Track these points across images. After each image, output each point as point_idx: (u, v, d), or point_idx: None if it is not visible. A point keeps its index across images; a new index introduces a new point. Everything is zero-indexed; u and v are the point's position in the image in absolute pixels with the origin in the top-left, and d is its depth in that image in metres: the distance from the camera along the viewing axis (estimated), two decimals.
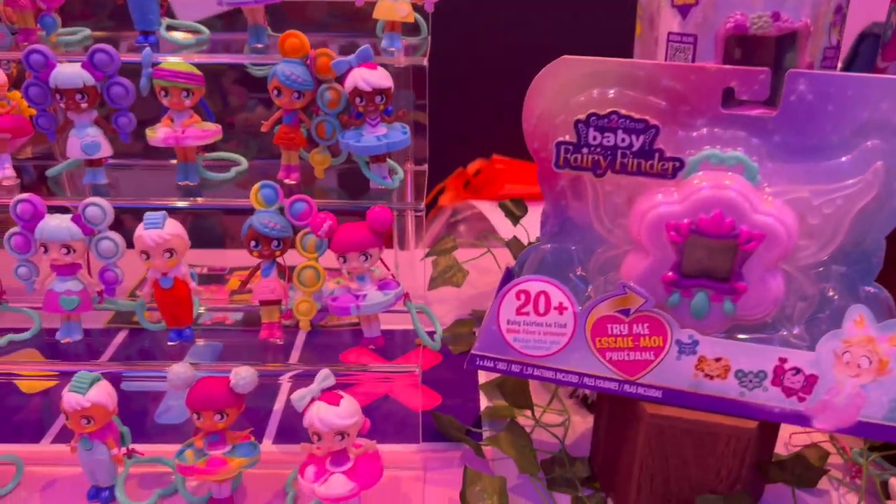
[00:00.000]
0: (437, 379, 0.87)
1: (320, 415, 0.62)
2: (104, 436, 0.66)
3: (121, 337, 0.86)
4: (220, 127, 0.76)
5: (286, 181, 0.77)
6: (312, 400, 0.63)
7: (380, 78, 0.70)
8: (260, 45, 0.80)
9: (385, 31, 0.80)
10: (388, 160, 0.76)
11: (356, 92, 0.70)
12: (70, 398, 0.63)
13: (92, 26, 0.87)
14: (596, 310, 0.61)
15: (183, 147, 0.75)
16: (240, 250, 0.72)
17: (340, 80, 0.72)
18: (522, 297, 0.63)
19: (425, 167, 0.84)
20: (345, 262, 0.68)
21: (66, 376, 0.67)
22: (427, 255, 1.00)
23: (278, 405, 0.83)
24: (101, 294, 0.72)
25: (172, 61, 0.73)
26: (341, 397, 0.63)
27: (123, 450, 0.68)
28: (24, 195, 0.68)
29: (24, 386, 0.85)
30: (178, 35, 0.80)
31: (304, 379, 0.71)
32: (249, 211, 0.71)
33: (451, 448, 0.76)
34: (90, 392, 0.64)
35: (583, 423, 0.80)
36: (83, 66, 0.71)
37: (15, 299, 0.77)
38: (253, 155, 0.84)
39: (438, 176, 1.95)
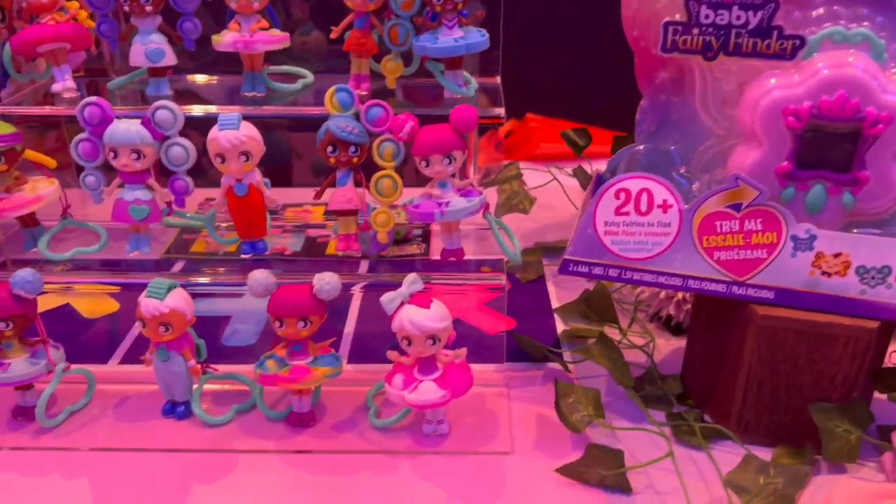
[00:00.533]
0: (507, 306, 0.84)
1: (411, 317, 0.59)
2: (181, 346, 0.63)
3: (179, 267, 0.84)
4: (287, 35, 0.72)
5: (357, 92, 0.74)
6: (402, 304, 0.60)
7: None
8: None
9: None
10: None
11: None
12: (148, 304, 0.61)
13: None
14: (704, 206, 0.58)
15: (250, 54, 0.72)
16: (291, 189, 0.69)
17: None
18: (622, 195, 0.59)
19: (497, 79, 0.80)
20: (427, 165, 0.64)
21: (133, 291, 0.65)
22: (489, 185, 0.96)
23: (349, 328, 0.80)
24: (171, 206, 0.69)
25: None
26: (431, 300, 0.60)
27: (200, 364, 0.65)
28: (92, 98, 0.65)
29: (85, 310, 0.83)
30: None
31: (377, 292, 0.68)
32: (320, 121, 0.68)
33: (532, 368, 0.73)
34: (168, 298, 0.61)
35: (666, 345, 0.76)
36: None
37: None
38: (315, 70, 0.81)
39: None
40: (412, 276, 0.61)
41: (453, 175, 0.66)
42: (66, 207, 0.71)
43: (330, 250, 0.84)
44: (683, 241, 0.59)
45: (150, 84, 0.73)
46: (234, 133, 0.63)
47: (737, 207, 0.57)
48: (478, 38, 0.69)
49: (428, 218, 0.65)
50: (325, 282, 0.61)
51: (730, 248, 0.58)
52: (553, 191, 1.03)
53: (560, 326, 0.80)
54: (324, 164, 0.69)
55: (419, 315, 0.59)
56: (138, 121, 0.65)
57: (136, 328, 0.80)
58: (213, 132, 0.64)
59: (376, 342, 0.78)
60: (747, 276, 0.58)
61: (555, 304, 0.84)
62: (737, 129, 0.58)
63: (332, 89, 0.67)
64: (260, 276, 0.62)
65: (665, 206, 0.59)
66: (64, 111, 0.72)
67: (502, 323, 0.80)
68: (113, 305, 0.84)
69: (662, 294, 0.77)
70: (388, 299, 0.59)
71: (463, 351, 0.62)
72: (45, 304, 0.67)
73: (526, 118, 2.11)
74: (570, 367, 0.73)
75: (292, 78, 0.78)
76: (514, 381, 0.71)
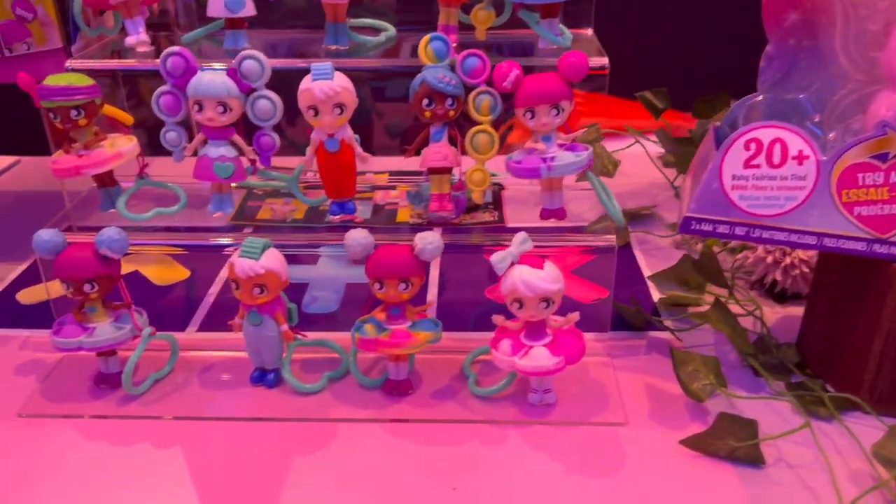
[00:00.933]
0: (594, 274, 0.80)
1: (524, 278, 0.55)
2: (273, 309, 0.60)
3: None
4: None
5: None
6: (512, 264, 0.56)
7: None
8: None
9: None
10: None
11: None
12: (243, 264, 0.57)
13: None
14: (844, 157, 0.53)
15: (334, 4, 0.68)
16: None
17: None
18: (753, 146, 0.55)
19: (590, 31, 0.75)
20: (532, 117, 0.60)
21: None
22: None
23: (430, 295, 0.76)
24: (254, 164, 0.65)
25: None
26: (544, 260, 0.56)
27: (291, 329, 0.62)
28: (175, 48, 0.61)
29: (156, 277, 0.80)
30: None
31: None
32: (407, 75, 0.64)
33: (633, 337, 0.69)
34: (263, 258, 0.58)
35: (771, 312, 0.72)
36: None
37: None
38: (395, 23, 0.77)
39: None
40: (521, 234, 0.57)
41: (559, 129, 0.62)
42: (143, 166, 0.68)
43: (401, 217, 0.81)
44: (820, 196, 0.54)
45: (228, 37, 0.69)
46: (329, 83, 0.59)
47: (882, 158, 0.52)
48: None
49: (534, 174, 0.61)
50: (428, 241, 0.57)
51: (872, 203, 0.53)
52: (629, 156, 0.99)
53: (655, 295, 0.76)
54: (399, 125, 0.65)
55: (533, 276, 0.55)
56: (223, 72, 0.61)
57: (211, 295, 0.77)
58: (306, 82, 0.60)
59: (461, 309, 0.75)
60: (891, 232, 0.54)
61: (645, 272, 0.80)
62: (881, 74, 0.53)
63: (425, 38, 0.63)
64: (358, 235, 0.58)
65: (801, 158, 0.54)
66: (141, 65, 0.69)
67: (595, 291, 0.76)
68: (184, 273, 0.81)
69: (770, 258, 0.72)
70: (499, 258, 0.55)
71: (575, 315, 0.58)
72: None
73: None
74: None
75: (373, 32, 0.75)
76: (617, 350, 0.67)
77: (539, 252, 0.58)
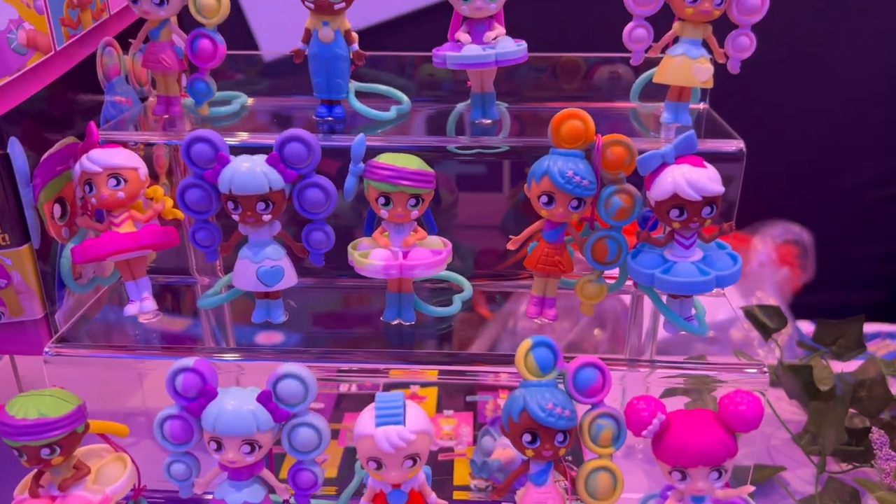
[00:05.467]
0: None
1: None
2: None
3: None
4: (450, 245, 0.52)
5: (539, 319, 0.54)
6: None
7: (710, 180, 0.46)
8: (488, 121, 0.57)
9: (668, 99, 0.57)
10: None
11: (674, 201, 0.46)
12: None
13: (244, 89, 0.65)
14: None
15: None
16: None
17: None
18: None
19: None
20: (683, 478, 0.43)
21: None
22: None
23: None
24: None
25: (391, 154, 0.49)
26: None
27: None
28: (188, 362, 0.45)
29: None
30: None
31: None
32: None
33: None
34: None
35: None
36: (269, 162, 0.48)
37: None
38: (470, 273, 0.61)
39: None
40: None
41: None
42: (139, 490, 0.50)
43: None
44: None
45: (258, 307, 0.53)
46: (399, 431, 0.42)
47: None
48: (729, 264, 0.49)
49: None
50: None
51: None
52: None
53: None
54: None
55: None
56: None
57: None
58: (364, 425, 0.43)
59: None
60: None
61: None
62: None
63: (526, 343, 0.46)
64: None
65: None
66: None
67: None
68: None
69: None
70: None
71: None
72: None
73: None
74: None
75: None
76: None
77: None
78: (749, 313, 0.82)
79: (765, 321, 0.81)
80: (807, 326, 0.98)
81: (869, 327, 0.87)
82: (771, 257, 1.10)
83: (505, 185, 0.69)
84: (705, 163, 0.47)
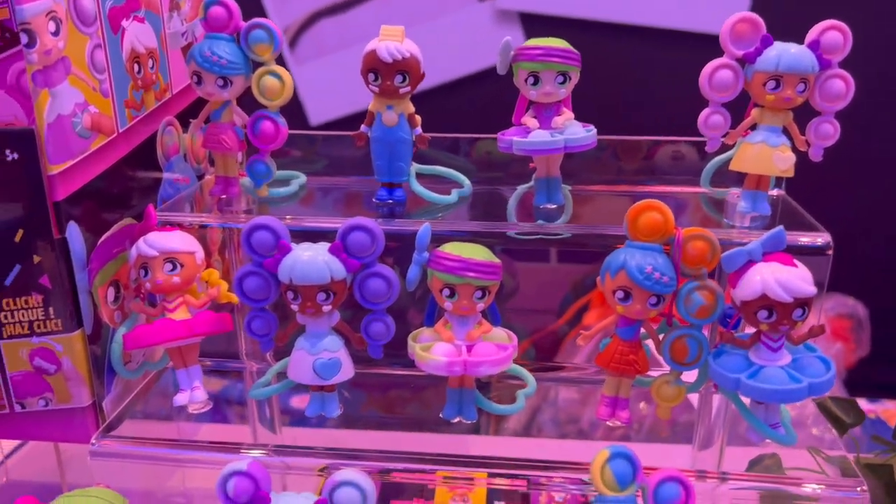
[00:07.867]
0: None
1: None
2: None
3: None
4: (515, 339, 0.49)
5: (611, 421, 0.50)
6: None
7: (802, 280, 0.43)
8: (553, 206, 0.55)
9: (746, 188, 0.54)
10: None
11: (763, 302, 0.43)
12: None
13: (300, 167, 0.64)
14: None
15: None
16: None
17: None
18: None
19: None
20: None
21: None
22: None
23: None
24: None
25: (457, 244, 0.47)
26: None
27: None
28: (241, 466, 0.42)
29: None
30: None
31: None
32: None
33: None
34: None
35: None
36: (331, 252, 0.46)
37: None
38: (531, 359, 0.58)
39: None
40: None
41: None
42: None
43: None
44: None
45: (312, 399, 0.51)
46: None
47: None
48: (820, 369, 0.45)
49: None
50: None
51: None
52: None
53: None
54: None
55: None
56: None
57: None
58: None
59: None
60: None
61: None
62: None
63: (603, 454, 0.43)
64: None
65: None
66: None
67: None
68: None
69: None
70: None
71: None
72: None
73: None
74: None
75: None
76: None
77: None
78: (822, 406, 0.77)
79: (840, 415, 0.76)
80: (864, 405, 0.93)
81: None
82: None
83: (565, 270, 0.66)
84: (796, 261, 0.44)
